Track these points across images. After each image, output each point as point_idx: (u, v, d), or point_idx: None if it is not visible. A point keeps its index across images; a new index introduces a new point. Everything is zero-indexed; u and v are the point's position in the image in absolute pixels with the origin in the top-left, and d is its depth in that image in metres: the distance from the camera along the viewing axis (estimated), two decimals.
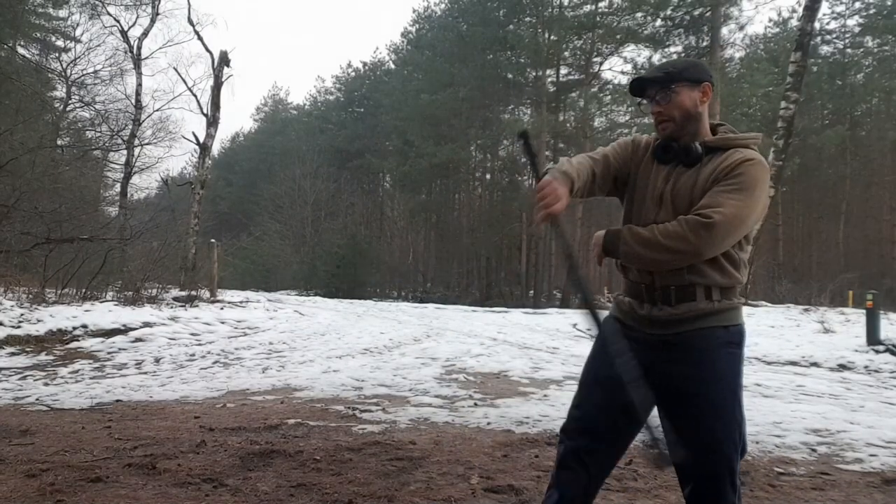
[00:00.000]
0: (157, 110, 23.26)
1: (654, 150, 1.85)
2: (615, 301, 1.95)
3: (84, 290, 11.06)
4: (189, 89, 24.67)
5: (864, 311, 9.74)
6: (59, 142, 17.04)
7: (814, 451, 3.82)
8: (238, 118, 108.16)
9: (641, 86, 1.83)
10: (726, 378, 1.75)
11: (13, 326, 8.12)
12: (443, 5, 37.49)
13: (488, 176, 37.63)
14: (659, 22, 26.62)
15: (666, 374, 1.76)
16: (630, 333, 1.81)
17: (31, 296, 9.89)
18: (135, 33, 22.96)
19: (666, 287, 1.76)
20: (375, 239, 39.11)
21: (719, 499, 1.72)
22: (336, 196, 40.34)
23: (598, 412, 1.82)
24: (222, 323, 10.39)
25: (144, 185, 37.46)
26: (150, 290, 12.15)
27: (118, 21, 22.70)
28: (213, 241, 15.60)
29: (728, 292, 1.78)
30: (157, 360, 7.28)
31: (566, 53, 31.63)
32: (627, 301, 1.86)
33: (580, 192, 1.79)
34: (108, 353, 7.62)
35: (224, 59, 17.82)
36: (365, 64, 46.73)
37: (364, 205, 42.64)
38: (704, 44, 25.44)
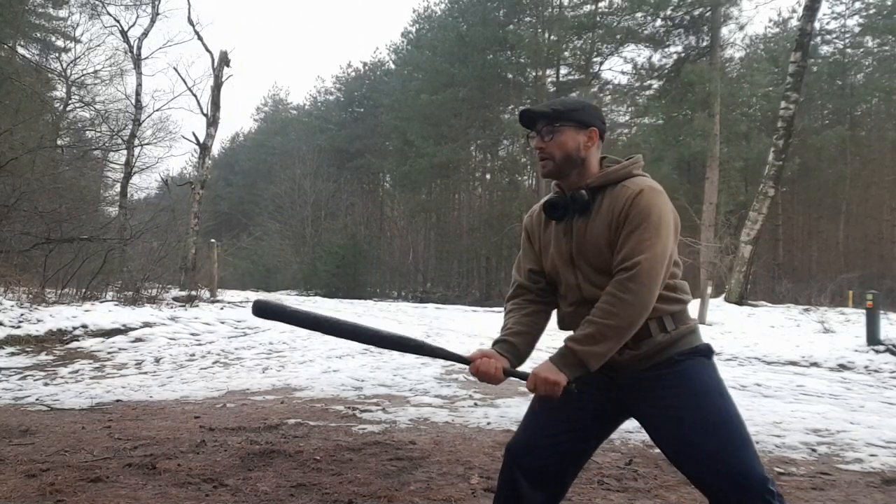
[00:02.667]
0: (157, 110, 23.36)
1: (544, 210, 1.80)
2: None
3: (84, 290, 11.06)
4: (189, 89, 24.77)
5: (864, 311, 9.74)
6: (59, 142, 17.04)
7: (814, 451, 3.82)
8: (238, 118, 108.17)
9: (531, 117, 1.79)
10: (711, 388, 1.67)
11: (13, 326, 8.12)
12: (443, 5, 37.49)
13: (488, 176, 37.62)
14: (659, 22, 26.61)
15: (652, 412, 1.70)
16: (597, 379, 1.71)
17: (31, 296, 9.89)
18: (135, 33, 23.00)
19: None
20: (375, 239, 39.08)
21: None
22: (336, 196, 40.31)
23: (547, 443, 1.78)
24: (222, 323, 10.39)
25: (144, 185, 37.60)
26: (150, 290, 12.14)
27: (118, 21, 22.73)
28: (213, 241, 15.60)
29: (680, 317, 1.72)
30: (157, 360, 7.28)
31: (566, 53, 31.63)
32: None
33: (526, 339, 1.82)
34: (108, 353, 7.63)
35: (224, 59, 17.83)
36: (365, 64, 46.70)
37: (364, 205, 42.62)
38: (704, 44, 25.44)
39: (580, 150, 1.74)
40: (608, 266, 1.67)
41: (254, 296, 17.70)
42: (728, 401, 1.67)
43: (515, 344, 1.78)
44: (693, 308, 13.09)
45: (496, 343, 1.78)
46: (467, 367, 1.74)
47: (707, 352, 1.74)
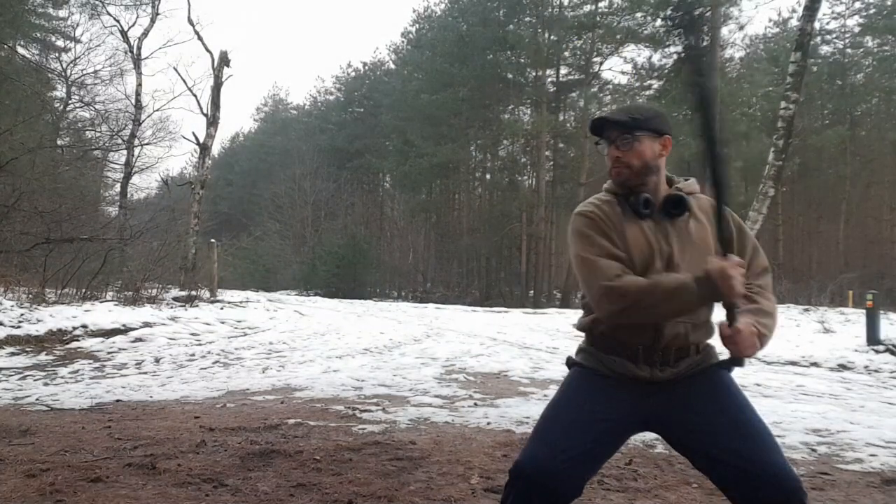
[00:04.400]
0: (157, 110, 23.35)
1: (637, 204, 1.72)
2: (591, 355, 1.80)
3: (84, 290, 11.07)
4: (189, 89, 24.72)
5: (864, 311, 9.74)
6: (59, 142, 17.05)
7: (814, 451, 3.82)
8: (238, 118, 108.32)
9: (602, 125, 1.77)
10: (740, 396, 1.73)
11: (13, 326, 8.12)
12: (443, 5, 37.53)
13: (488, 176, 37.63)
14: (659, 22, 26.62)
15: (685, 423, 1.69)
16: (625, 386, 1.71)
17: (31, 296, 9.90)
18: (135, 33, 23.03)
19: (667, 348, 1.70)
20: (375, 239, 39.09)
21: None
22: (336, 196, 40.32)
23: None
24: (222, 323, 10.40)
25: (144, 185, 37.57)
26: (150, 290, 12.16)
27: (118, 21, 22.77)
28: (213, 241, 15.61)
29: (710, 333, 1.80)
30: (157, 360, 7.28)
31: (566, 53, 31.66)
32: (617, 360, 1.73)
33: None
34: (108, 353, 7.63)
35: (224, 59, 17.82)
36: (365, 64, 46.76)
37: (364, 205, 42.64)
38: (704, 44, 25.45)
39: (656, 158, 1.75)
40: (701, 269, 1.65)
41: (254, 296, 17.74)
42: (753, 408, 1.72)
43: None
44: None
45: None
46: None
47: (728, 363, 1.75)
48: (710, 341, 1.76)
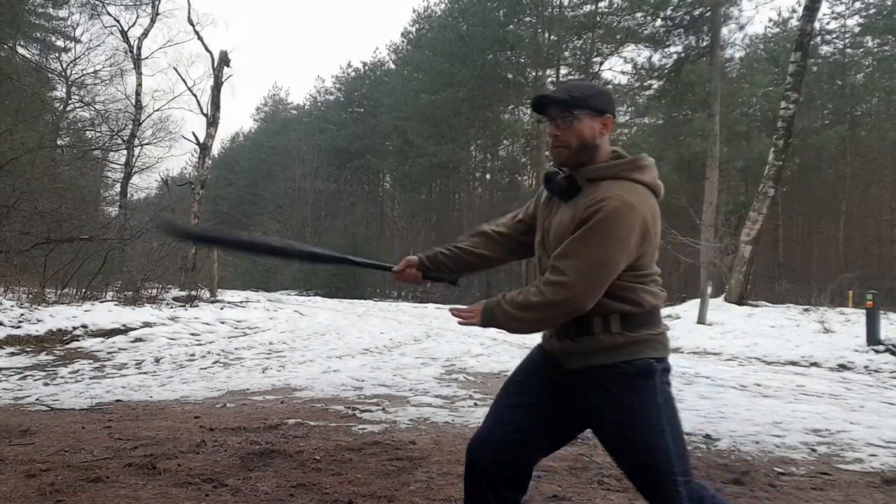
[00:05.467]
0: (157, 110, 23.33)
1: (543, 180, 1.82)
2: None
3: (84, 290, 11.06)
4: (189, 89, 24.70)
5: (864, 311, 9.73)
6: (59, 142, 17.05)
7: (814, 451, 3.82)
8: (238, 118, 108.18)
9: (543, 103, 1.74)
10: (641, 415, 1.64)
11: (13, 326, 8.12)
12: (443, 5, 37.52)
13: (488, 176, 37.64)
14: (659, 22, 26.59)
15: (586, 409, 1.72)
16: (552, 363, 1.77)
17: (31, 296, 9.89)
18: (135, 33, 23.03)
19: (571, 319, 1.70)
20: (375, 239, 39.08)
21: None
22: (336, 196, 40.33)
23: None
24: (222, 323, 10.40)
25: (144, 185, 37.43)
26: (150, 290, 12.15)
27: (118, 21, 22.77)
28: None
29: (631, 321, 1.66)
30: (157, 360, 7.28)
31: (566, 53, 31.64)
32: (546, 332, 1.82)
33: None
34: (108, 353, 7.63)
35: (224, 59, 17.82)
36: (365, 64, 46.73)
37: (364, 205, 42.63)
38: (704, 44, 25.43)
39: (595, 137, 1.71)
40: None
41: (254, 296, 17.73)
42: (657, 435, 1.63)
43: (438, 253, 1.95)
44: (693, 308, 12.99)
45: (427, 251, 1.96)
46: (392, 273, 1.96)
47: (649, 372, 1.66)
48: (631, 329, 1.66)
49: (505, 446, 1.76)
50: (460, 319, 1.80)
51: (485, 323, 1.74)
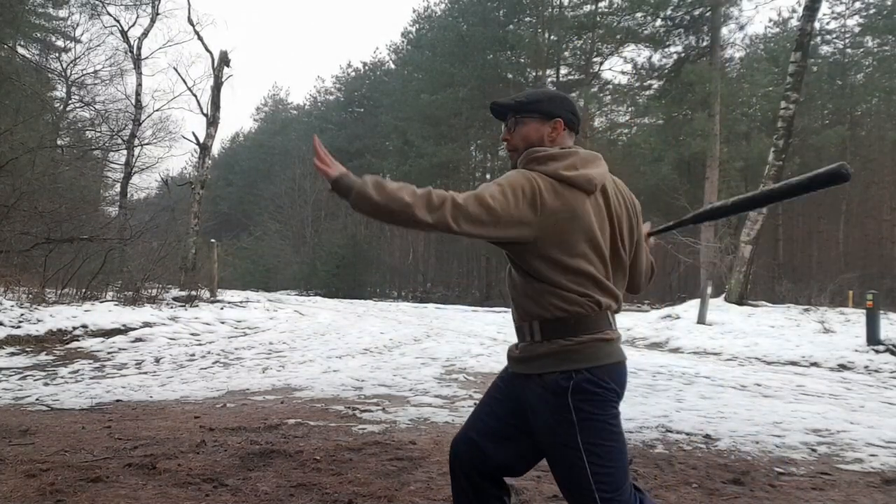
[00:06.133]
0: (157, 110, 23.35)
1: None
2: None
3: (84, 290, 11.06)
4: (189, 89, 24.72)
5: (864, 311, 9.73)
6: (59, 142, 17.04)
7: (814, 451, 3.82)
8: (238, 118, 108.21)
9: (499, 110, 1.81)
10: (553, 432, 1.60)
11: (13, 326, 8.12)
12: (443, 5, 37.51)
13: (488, 176, 37.60)
14: (659, 22, 26.59)
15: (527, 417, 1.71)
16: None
17: (31, 296, 9.89)
18: (135, 33, 23.02)
19: (516, 324, 1.72)
20: (375, 239, 39.09)
21: None
22: (336, 196, 40.29)
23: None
24: (222, 323, 10.40)
25: (144, 185, 37.53)
26: (150, 290, 12.15)
27: (118, 21, 22.76)
28: (213, 241, 15.60)
29: (553, 328, 1.60)
30: (157, 360, 7.28)
31: (566, 53, 31.63)
32: None
33: None
34: (108, 353, 7.63)
35: (224, 59, 17.82)
36: (365, 64, 46.73)
37: None
38: (704, 44, 25.43)
39: (543, 142, 1.72)
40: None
41: (254, 296, 17.72)
42: (570, 454, 1.58)
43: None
44: (692, 308, 12.99)
45: None
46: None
47: (557, 389, 1.58)
48: (552, 337, 1.61)
49: (481, 437, 1.79)
50: (318, 161, 1.67)
51: (341, 185, 1.62)
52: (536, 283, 1.61)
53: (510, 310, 1.77)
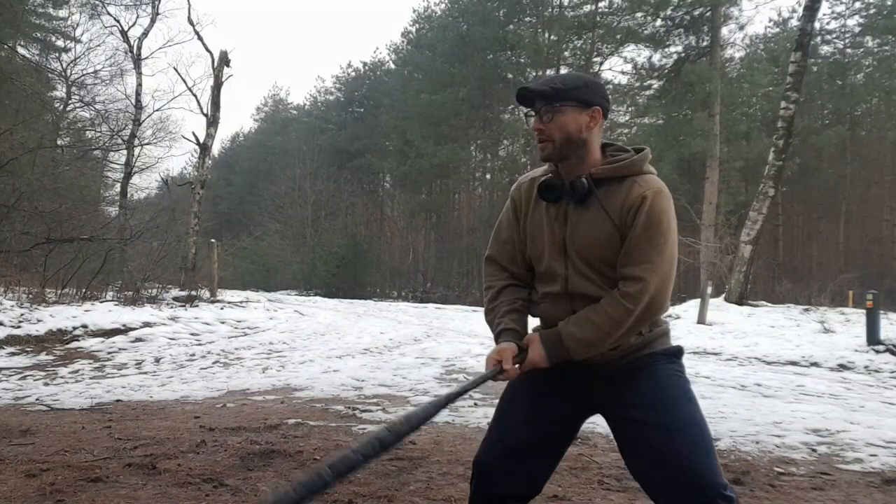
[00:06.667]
0: (157, 110, 23.31)
1: (539, 190, 1.69)
2: None
3: (84, 290, 11.06)
4: (189, 89, 24.63)
5: (864, 311, 9.74)
6: (59, 142, 17.06)
7: (814, 451, 3.82)
8: (238, 118, 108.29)
9: (529, 97, 1.67)
10: (679, 392, 1.64)
11: (13, 326, 8.12)
12: (443, 5, 37.48)
13: (488, 176, 37.61)
14: (659, 22, 26.59)
15: (618, 412, 1.67)
16: (563, 373, 1.69)
17: (31, 296, 9.89)
18: (135, 33, 23.02)
19: None
20: (375, 239, 39.07)
21: None
22: (336, 196, 40.29)
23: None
24: (222, 323, 10.39)
25: (144, 185, 37.38)
26: (150, 290, 12.14)
27: (118, 21, 22.77)
28: (213, 241, 15.59)
29: (655, 320, 1.68)
30: (157, 360, 7.28)
31: (566, 53, 31.62)
32: None
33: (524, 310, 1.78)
34: (108, 353, 7.63)
35: (224, 59, 17.80)
36: (365, 64, 46.68)
37: (364, 205, 42.60)
38: (704, 44, 25.43)
39: (582, 132, 1.63)
40: (600, 260, 1.63)
41: (254, 296, 17.71)
42: (695, 406, 1.63)
43: (519, 331, 1.72)
44: (693, 308, 13.00)
45: (504, 332, 1.70)
46: (503, 377, 1.67)
47: (677, 354, 1.72)
48: (655, 327, 1.68)
49: (517, 453, 1.69)
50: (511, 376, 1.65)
51: (552, 361, 1.63)
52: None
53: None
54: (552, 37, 30.39)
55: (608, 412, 1.70)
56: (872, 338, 8.88)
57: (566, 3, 30.34)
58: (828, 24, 28.14)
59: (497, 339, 1.70)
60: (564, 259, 1.67)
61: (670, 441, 1.55)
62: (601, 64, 30.56)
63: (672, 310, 13.40)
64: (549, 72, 31.75)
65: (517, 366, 1.63)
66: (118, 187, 22.77)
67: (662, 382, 1.64)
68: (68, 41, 24.60)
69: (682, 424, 1.58)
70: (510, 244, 1.81)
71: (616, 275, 1.62)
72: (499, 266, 1.83)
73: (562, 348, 1.62)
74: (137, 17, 23.39)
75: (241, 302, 13.58)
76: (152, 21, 22.53)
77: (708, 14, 24.68)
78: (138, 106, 22.33)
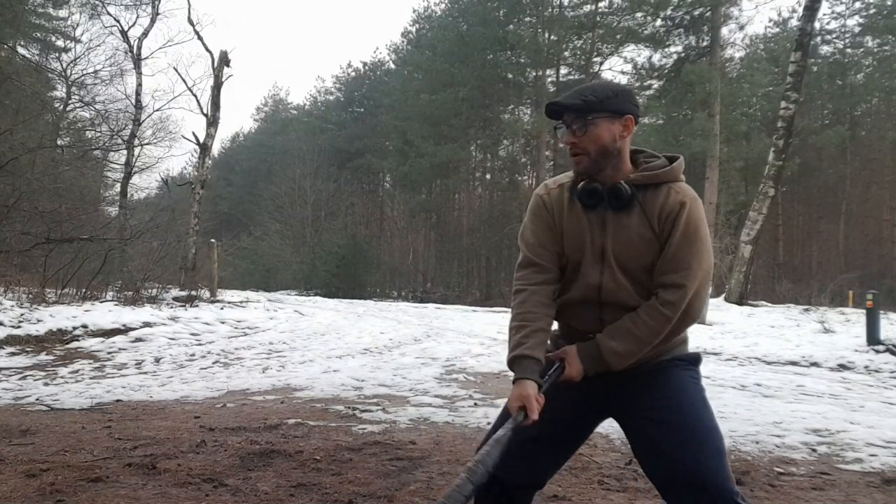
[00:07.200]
0: (157, 110, 23.31)
1: (579, 196, 1.68)
2: (553, 342, 1.80)
3: (84, 290, 11.06)
4: (189, 89, 24.66)
5: (864, 310, 9.74)
6: (59, 142, 17.05)
7: (814, 451, 3.82)
8: (238, 118, 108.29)
9: (558, 110, 1.66)
10: (694, 398, 1.65)
11: (13, 326, 8.12)
12: (443, 5, 37.49)
13: (488, 176, 37.62)
14: (659, 22, 26.60)
15: (633, 415, 1.67)
16: (585, 380, 1.69)
17: (31, 296, 9.88)
18: (135, 33, 23.03)
19: None
20: (375, 239, 39.07)
21: None
22: (336, 196, 40.30)
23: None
24: (222, 323, 10.39)
25: (144, 185, 37.45)
26: (150, 290, 12.14)
27: (118, 21, 22.77)
28: (213, 241, 15.59)
29: (676, 326, 1.67)
30: (157, 360, 7.28)
31: (566, 53, 31.63)
32: None
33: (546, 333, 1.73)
34: (108, 353, 7.62)
35: (224, 59, 17.79)
36: (365, 64, 46.69)
37: (364, 205, 42.61)
38: (704, 44, 25.44)
39: (616, 142, 1.63)
40: (639, 267, 1.64)
41: (254, 296, 17.73)
42: (709, 412, 1.64)
43: (541, 360, 1.66)
44: None
45: (526, 360, 1.63)
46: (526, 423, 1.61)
47: (695, 361, 1.74)
48: (677, 333, 1.69)
49: (518, 450, 1.66)
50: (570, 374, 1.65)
51: (589, 374, 1.65)
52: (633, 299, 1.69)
53: (598, 315, 1.68)
54: (552, 37, 30.39)
55: (623, 414, 1.71)
56: (872, 338, 8.88)
57: (566, 3, 30.35)
58: (828, 24, 28.19)
59: (515, 362, 1.64)
60: (602, 266, 1.67)
61: (684, 444, 1.56)
62: (601, 64, 30.58)
63: None
64: (549, 72, 31.77)
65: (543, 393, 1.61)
66: (118, 187, 22.78)
67: (679, 387, 1.66)
68: (68, 41, 24.62)
69: (697, 428, 1.58)
70: (545, 249, 1.75)
71: (651, 283, 1.64)
72: (534, 269, 1.75)
73: (601, 362, 1.63)
74: (137, 17, 23.45)
75: (241, 302, 13.58)
76: (152, 21, 22.55)
77: (708, 14, 24.69)
78: (138, 106, 22.33)
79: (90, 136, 21.23)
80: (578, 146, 1.64)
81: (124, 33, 22.74)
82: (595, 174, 1.66)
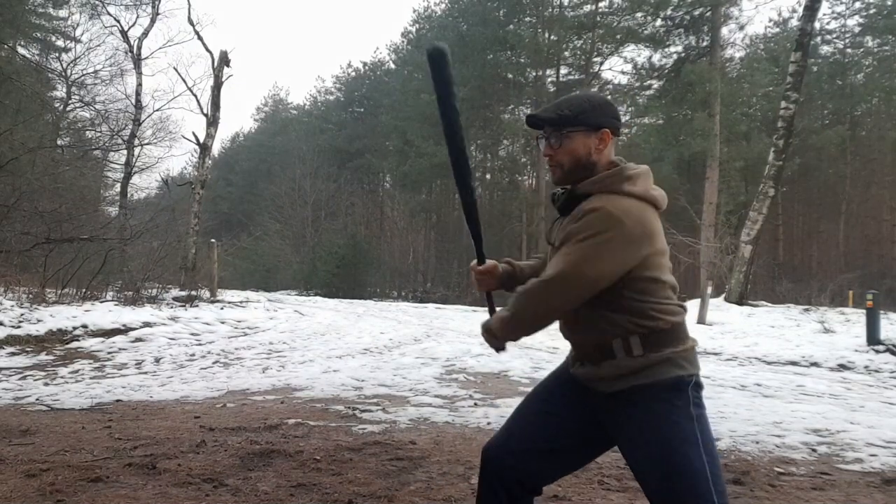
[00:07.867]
0: (157, 110, 23.34)
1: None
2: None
3: (84, 290, 11.06)
4: (189, 89, 24.75)
5: (864, 310, 9.75)
6: (59, 142, 17.06)
7: (814, 451, 3.82)
8: (238, 118, 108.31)
9: (538, 123, 1.69)
10: (674, 436, 1.56)
11: (13, 326, 8.11)
12: (443, 5, 37.50)
13: (488, 176, 37.61)
14: (659, 22, 26.60)
15: (618, 439, 1.67)
16: (575, 382, 1.73)
17: (31, 296, 9.89)
18: (135, 33, 23.05)
19: (583, 342, 1.67)
20: (375, 239, 39.07)
21: None
22: (336, 196, 40.31)
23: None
24: (222, 323, 10.39)
25: (144, 185, 37.48)
26: (150, 290, 12.14)
27: (118, 21, 22.79)
28: (213, 241, 15.59)
29: (653, 340, 1.59)
30: (157, 360, 7.28)
31: (566, 53, 31.63)
32: (569, 353, 1.79)
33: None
34: (108, 353, 7.62)
35: (224, 59, 17.80)
36: (365, 64, 46.71)
37: (364, 205, 42.61)
38: (704, 44, 25.44)
39: (591, 155, 1.65)
40: None
41: (254, 296, 17.72)
42: (690, 449, 1.56)
43: (519, 269, 1.91)
44: (693, 308, 13.05)
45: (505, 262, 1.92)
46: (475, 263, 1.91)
47: (678, 386, 1.60)
48: (653, 350, 1.59)
49: (525, 451, 1.72)
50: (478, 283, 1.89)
51: (496, 344, 1.75)
52: (634, 302, 1.59)
53: (567, 326, 1.72)
54: (552, 37, 30.39)
55: (612, 434, 1.70)
56: (872, 338, 8.89)
57: (566, 3, 30.35)
58: (828, 24, 28.19)
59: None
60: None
61: (659, 483, 1.57)
62: (601, 64, 30.59)
63: None
64: (549, 72, 31.78)
65: (484, 284, 1.88)
66: (118, 187, 22.78)
67: (655, 424, 1.58)
68: (68, 41, 24.63)
69: (669, 471, 1.55)
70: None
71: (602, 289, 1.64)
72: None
73: (489, 334, 1.75)
74: (137, 17, 23.50)
75: (241, 302, 13.58)
76: (152, 21, 22.56)
77: (708, 14, 24.69)
78: (138, 106, 22.34)
79: (90, 136, 21.25)
80: (554, 158, 1.69)
81: (124, 33, 22.77)
82: (570, 184, 1.70)
